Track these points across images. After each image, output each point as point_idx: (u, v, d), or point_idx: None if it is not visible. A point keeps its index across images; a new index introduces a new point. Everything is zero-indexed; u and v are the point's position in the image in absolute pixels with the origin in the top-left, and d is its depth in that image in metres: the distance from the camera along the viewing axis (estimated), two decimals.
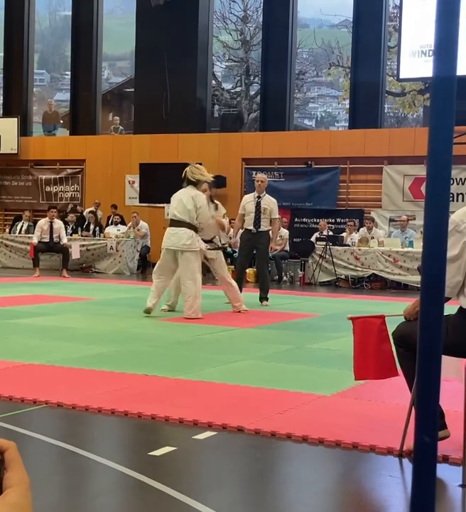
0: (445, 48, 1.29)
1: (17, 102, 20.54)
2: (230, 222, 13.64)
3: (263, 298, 10.39)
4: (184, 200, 8.62)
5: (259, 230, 10.19)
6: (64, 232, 15.13)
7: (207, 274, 15.77)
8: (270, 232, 10.34)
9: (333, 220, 16.68)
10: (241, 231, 10.66)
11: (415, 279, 13.79)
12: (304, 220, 17.02)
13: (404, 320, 3.75)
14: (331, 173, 16.92)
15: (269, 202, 10.26)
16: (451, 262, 3.41)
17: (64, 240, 14.81)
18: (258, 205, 10.23)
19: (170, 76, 18.29)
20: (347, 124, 18.74)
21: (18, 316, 8.32)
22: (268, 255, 10.53)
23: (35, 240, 14.65)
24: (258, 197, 10.30)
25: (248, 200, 10.37)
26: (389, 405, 4.62)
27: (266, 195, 10.35)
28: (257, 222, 10.20)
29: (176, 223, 8.60)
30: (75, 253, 15.23)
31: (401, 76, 16.17)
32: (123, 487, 3.23)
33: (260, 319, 8.80)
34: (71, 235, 16.49)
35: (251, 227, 10.27)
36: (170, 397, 4.66)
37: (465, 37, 4.49)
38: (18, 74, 20.64)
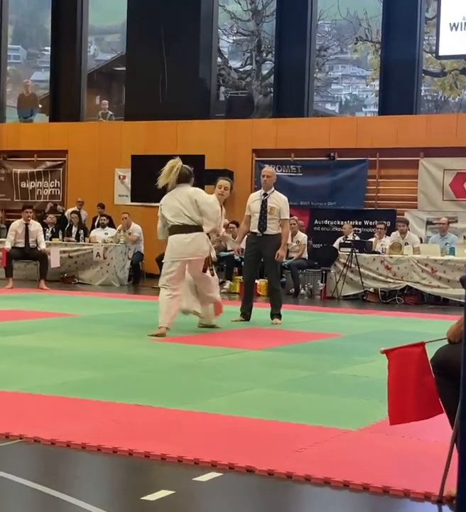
0: None
1: None
2: (227, 226, 13.67)
3: (275, 315, 10.34)
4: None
5: (265, 232, 10.14)
6: (43, 235, 15.16)
7: None
8: (279, 235, 10.25)
9: (360, 223, 16.66)
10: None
11: (457, 292, 13.75)
12: (325, 222, 17.01)
13: (447, 343, 3.72)
14: (358, 167, 16.91)
15: (278, 200, 10.21)
16: None
17: (43, 245, 14.84)
18: (264, 203, 10.20)
19: (168, 52, 18.35)
20: (377, 110, 18.75)
21: None
22: (278, 263, 10.43)
23: (8, 246, 14.68)
24: (265, 194, 10.27)
25: (254, 199, 10.37)
26: (427, 443, 4.60)
27: (275, 192, 10.33)
28: (262, 223, 10.16)
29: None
30: (55, 261, 15.24)
31: (441, 53, 16.18)
32: None
33: (273, 340, 8.79)
34: (50, 239, 16.52)
35: (256, 230, 10.23)
36: (166, 431, 4.66)
37: None
38: None
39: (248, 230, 10.42)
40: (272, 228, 10.17)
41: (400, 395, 3.76)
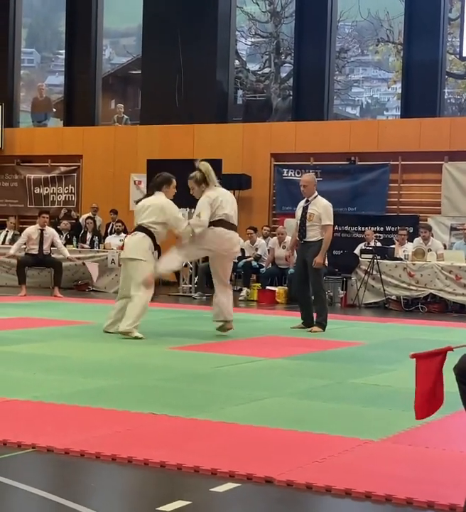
0: None
1: (1, 86, 20.76)
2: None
3: (317, 322, 10.40)
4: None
5: (305, 239, 10.38)
6: (60, 241, 15.24)
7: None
8: (321, 242, 10.40)
9: (382, 229, 16.61)
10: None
11: None
12: (346, 228, 16.97)
13: None
14: (379, 172, 16.87)
15: (318, 206, 10.42)
16: None
17: (65, 252, 14.94)
18: (304, 210, 10.46)
19: (185, 55, 18.39)
20: (399, 113, 18.71)
21: (0, 342, 8.35)
22: (320, 270, 10.48)
23: (12, 251, 14.75)
24: (307, 201, 10.52)
25: (299, 206, 10.72)
26: (451, 453, 4.57)
27: (318, 197, 10.54)
28: (302, 230, 10.44)
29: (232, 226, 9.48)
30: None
31: (465, 54, 16.12)
32: None
33: (292, 348, 8.77)
34: (64, 245, 16.56)
35: (298, 237, 10.59)
36: (183, 440, 4.65)
37: None
38: (2, 53, 20.86)
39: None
40: (312, 235, 10.37)
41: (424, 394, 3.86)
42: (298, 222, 10.51)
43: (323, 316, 10.46)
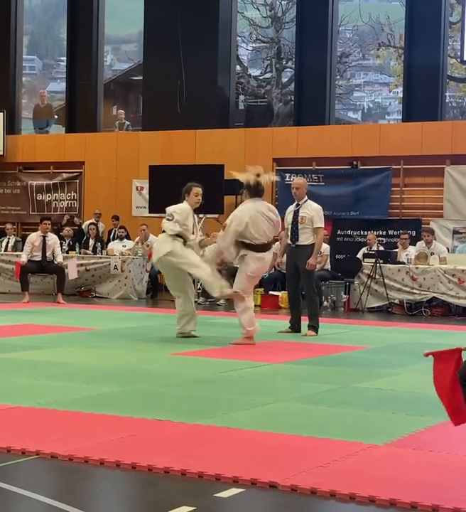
0: None
1: (3, 93, 20.78)
2: None
3: (308, 326, 10.46)
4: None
5: (297, 243, 10.39)
6: (60, 248, 15.21)
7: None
8: (314, 245, 10.46)
9: (384, 233, 16.59)
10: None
11: None
12: (348, 232, 16.95)
13: None
14: (381, 176, 16.85)
15: (310, 209, 10.49)
16: None
17: (59, 258, 14.88)
18: (295, 214, 10.51)
19: (186, 61, 18.40)
20: (401, 117, 18.70)
21: (3, 349, 8.35)
22: (312, 272, 10.55)
23: (23, 259, 14.73)
24: (297, 205, 10.56)
25: (289, 211, 10.75)
26: (456, 457, 4.57)
27: (308, 201, 10.63)
28: (294, 234, 10.44)
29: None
30: (72, 272, 15.24)
31: None
32: None
33: (295, 353, 8.78)
34: (67, 252, 16.57)
35: (290, 241, 10.58)
36: (186, 446, 4.65)
37: None
38: (3, 61, 20.88)
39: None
40: (305, 238, 10.41)
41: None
42: (289, 226, 10.52)
43: (315, 319, 10.50)
